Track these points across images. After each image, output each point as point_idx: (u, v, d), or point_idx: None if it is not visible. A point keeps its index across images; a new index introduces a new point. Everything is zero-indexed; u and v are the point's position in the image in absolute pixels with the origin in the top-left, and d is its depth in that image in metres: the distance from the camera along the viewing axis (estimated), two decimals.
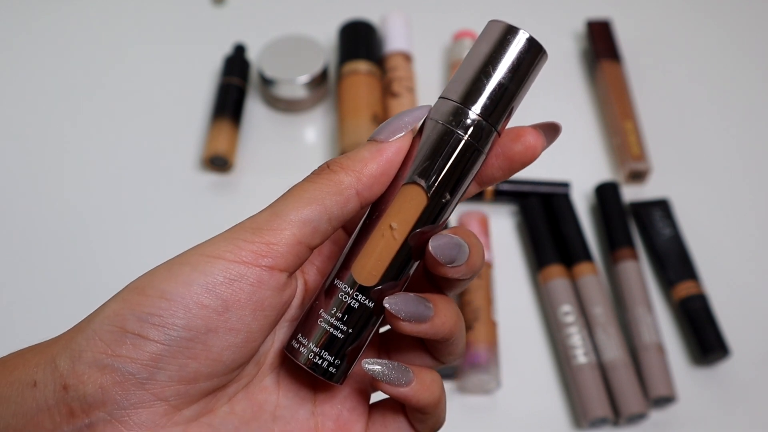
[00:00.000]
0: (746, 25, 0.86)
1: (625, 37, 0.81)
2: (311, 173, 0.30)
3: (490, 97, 0.29)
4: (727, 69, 0.82)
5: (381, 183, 0.29)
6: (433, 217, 0.29)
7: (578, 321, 0.62)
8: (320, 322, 0.29)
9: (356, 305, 0.29)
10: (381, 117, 0.72)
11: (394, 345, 0.33)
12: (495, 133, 0.30)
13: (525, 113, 0.82)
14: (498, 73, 0.29)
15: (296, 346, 0.30)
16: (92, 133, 0.75)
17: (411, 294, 0.29)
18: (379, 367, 0.29)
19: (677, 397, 0.59)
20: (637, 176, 0.72)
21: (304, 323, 0.30)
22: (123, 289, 0.28)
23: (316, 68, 0.74)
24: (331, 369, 0.30)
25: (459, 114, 0.29)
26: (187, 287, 0.27)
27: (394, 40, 0.77)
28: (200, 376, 0.27)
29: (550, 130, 0.31)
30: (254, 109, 0.77)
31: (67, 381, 0.26)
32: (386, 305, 0.29)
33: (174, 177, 0.72)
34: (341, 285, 0.30)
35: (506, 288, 0.66)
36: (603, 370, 0.60)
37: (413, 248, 0.30)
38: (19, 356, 0.28)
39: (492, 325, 0.61)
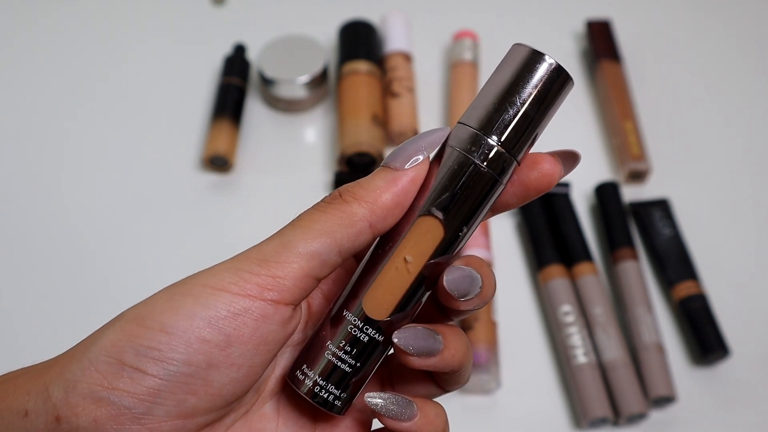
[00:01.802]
0: (746, 25, 0.86)
1: (625, 37, 0.81)
2: (322, 201, 0.28)
3: (513, 127, 0.28)
4: (728, 69, 0.82)
5: (395, 215, 0.28)
6: (448, 248, 0.28)
7: (578, 321, 0.62)
8: (327, 354, 0.28)
9: (365, 339, 0.28)
10: (381, 117, 0.72)
11: (397, 373, 0.32)
12: (515, 164, 0.28)
13: None
14: (522, 101, 0.28)
15: (300, 376, 0.29)
16: (92, 133, 0.75)
17: (420, 327, 0.28)
18: (382, 401, 0.28)
19: (677, 397, 0.59)
20: (637, 176, 0.72)
21: (309, 353, 0.29)
22: (121, 315, 0.27)
23: (316, 68, 0.74)
24: (335, 402, 0.29)
25: (479, 143, 0.28)
26: (188, 321, 0.26)
27: (394, 40, 0.77)
28: (198, 410, 0.26)
29: (568, 158, 0.29)
30: (254, 109, 0.77)
31: (60, 412, 0.25)
32: (395, 340, 0.28)
33: (174, 177, 0.72)
34: (350, 317, 0.28)
35: (506, 288, 0.66)
36: (603, 370, 0.60)
37: (426, 279, 0.29)
38: (10, 381, 0.27)
39: (492, 325, 0.61)
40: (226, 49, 0.79)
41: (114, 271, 0.66)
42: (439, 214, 0.28)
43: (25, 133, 0.75)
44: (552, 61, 0.28)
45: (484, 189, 0.28)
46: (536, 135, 0.28)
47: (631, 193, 0.71)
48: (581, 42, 0.83)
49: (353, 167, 0.71)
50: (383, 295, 0.28)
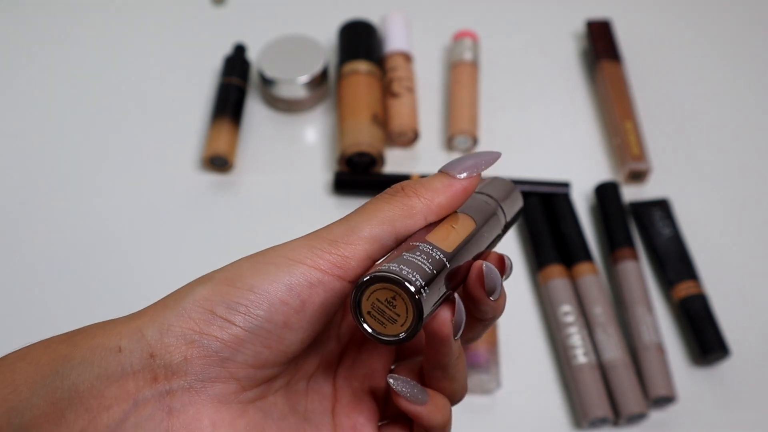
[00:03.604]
0: (746, 25, 0.86)
1: (625, 37, 0.81)
2: (385, 192, 0.33)
3: (508, 207, 0.38)
4: (727, 69, 0.82)
5: (445, 213, 0.33)
6: (473, 247, 0.33)
7: (578, 321, 0.62)
8: (405, 256, 0.30)
9: (438, 256, 0.30)
10: (381, 117, 0.72)
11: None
12: (503, 228, 0.37)
13: (526, 111, 0.82)
14: (513, 205, 0.39)
15: (384, 266, 0.29)
16: (92, 133, 0.75)
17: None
18: (402, 383, 0.31)
19: (677, 397, 0.59)
20: (637, 176, 0.72)
21: (385, 260, 0.30)
22: (210, 277, 0.30)
23: (316, 68, 0.74)
24: (423, 290, 0.29)
25: (497, 205, 0.37)
26: (272, 284, 0.29)
27: (394, 40, 0.77)
28: (268, 363, 0.30)
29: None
30: (254, 109, 0.77)
31: (154, 350, 0.28)
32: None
33: (174, 177, 0.72)
34: (419, 243, 0.31)
35: (506, 288, 0.65)
36: (603, 370, 0.60)
37: (457, 273, 0.31)
38: (97, 327, 0.30)
39: (492, 326, 0.61)
40: (226, 49, 0.79)
41: (114, 270, 0.66)
42: (476, 219, 0.34)
43: (25, 133, 0.75)
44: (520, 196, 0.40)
45: (493, 219, 0.36)
46: (513, 220, 0.39)
47: (631, 193, 0.71)
48: (581, 42, 0.83)
49: (353, 167, 0.71)
50: (443, 238, 0.32)
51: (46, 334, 0.31)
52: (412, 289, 0.29)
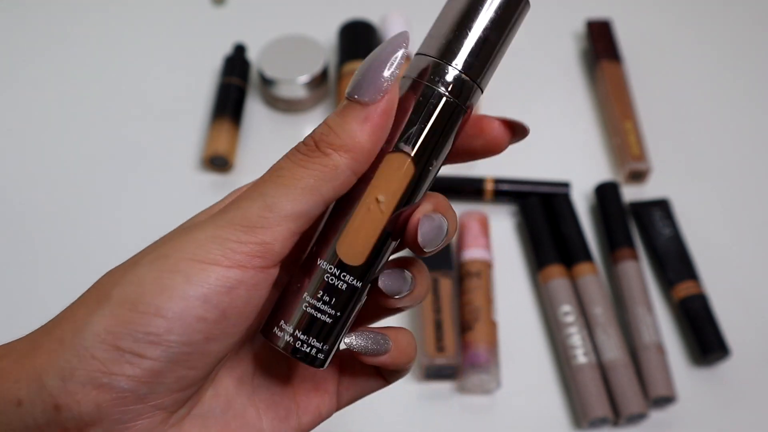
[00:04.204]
0: (746, 26, 0.86)
1: (625, 37, 0.81)
2: (299, 152, 0.27)
3: (473, 53, 0.27)
4: (727, 69, 0.82)
5: (375, 153, 0.27)
6: (417, 187, 0.28)
7: (578, 321, 0.62)
8: (304, 306, 0.27)
9: (344, 286, 0.27)
10: None
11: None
12: (478, 89, 0.27)
13: (526, 111, 0.82)
14: (480, 26, 0.27)
15: (278, 333, 0.27)
16: (92, 133, 0.75)
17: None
18: (359, 339, 0.29)
19: (677, 397, 0.59)
20: (637, 176, 0.72)
21: (284, 307, 0.28)
22: (107, 297, 0.26)
23: (316, 68, 0.74)
24: (318, 355, 0.28)
25: (439, 71, 0.27)
26: (183, 302, 0.25)
27: None
28: (197, 380, 0.27)
29: (518, 129, 0.29)
30: (254, 109, 0.77)
31: (58, 400, 0.25)
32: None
33: (174, 177, 0.72)
34: (325, 265, 0.27)
35: (506, 288, 0.66)
36: (603, 370, 0.60)
37: (395, 228, 0.28)
38: None
39: (492, 325, 0.61)
40: (226, 49, 0.79)
41: None
42: (409, 150, 0.27)
43: (25, 133, 0.75)
44: None
45: (450, 119, 0.27)
46: (496, 59, 0.28)
47: (631, 193, 0.71)
48: (581, 42, 0.83)
49: None
50: (358, 239, 0.27)
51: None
52: (305, 361, 0.28)
